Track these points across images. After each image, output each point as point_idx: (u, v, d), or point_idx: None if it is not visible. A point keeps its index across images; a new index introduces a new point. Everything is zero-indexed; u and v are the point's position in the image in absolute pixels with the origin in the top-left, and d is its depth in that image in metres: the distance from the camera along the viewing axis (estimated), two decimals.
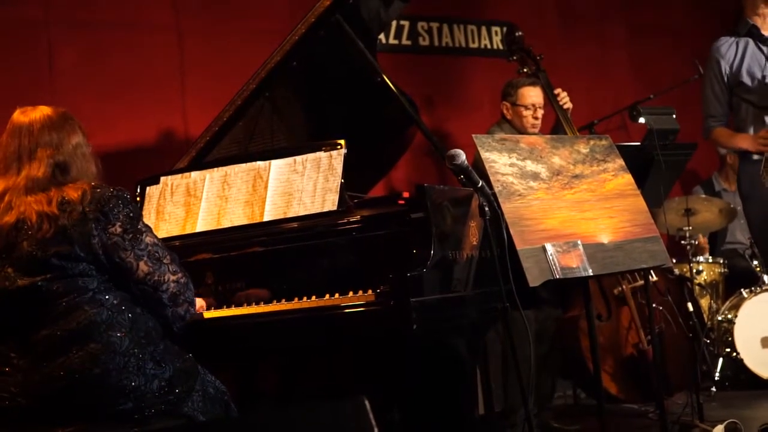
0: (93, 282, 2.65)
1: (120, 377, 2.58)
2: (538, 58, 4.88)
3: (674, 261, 5.70)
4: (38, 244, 2.61)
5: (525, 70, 4.91)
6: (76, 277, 2.63)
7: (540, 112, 4.90)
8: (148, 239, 2.72)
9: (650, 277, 4.69)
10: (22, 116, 2.78)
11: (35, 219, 2.62)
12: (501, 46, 6.40)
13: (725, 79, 5.02)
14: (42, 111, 2.79)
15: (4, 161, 2.74)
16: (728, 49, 5.03)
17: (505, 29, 6.32)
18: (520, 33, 4.94)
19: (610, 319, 4.70)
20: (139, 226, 2.71)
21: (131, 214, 2.70)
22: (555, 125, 4.96)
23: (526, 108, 4.85)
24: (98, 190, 2.68)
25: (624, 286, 4.69)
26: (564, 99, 4.83)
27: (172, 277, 2.75)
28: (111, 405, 2.58)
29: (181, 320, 2.80)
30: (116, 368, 2.58)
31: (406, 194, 3.14)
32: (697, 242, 6.21)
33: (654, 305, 4.45)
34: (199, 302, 3.08)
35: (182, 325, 2.81)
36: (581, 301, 4.37)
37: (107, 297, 2.66)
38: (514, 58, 4.98)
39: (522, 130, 4.87)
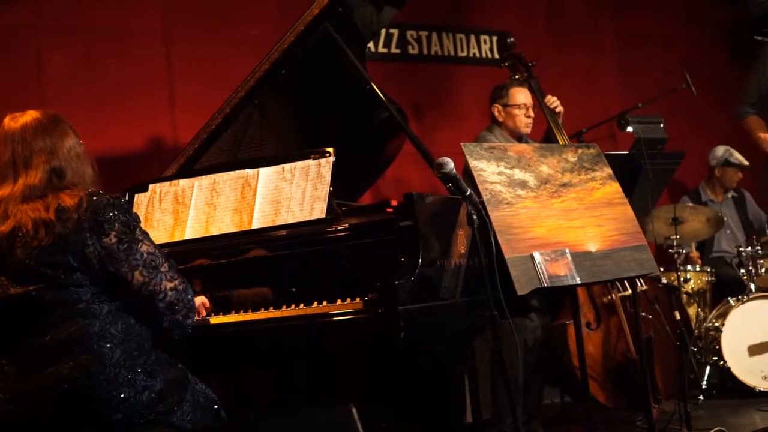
0: (87, 293, 2.63)
1: (110, 389, 2.57)
2: (530, 64, 4.90)
3: (662, 269, 5.72)
4: (32, 253, 2.59)
5: (517, 76, 4.94)
6: (70, 287, 2.62)
7: (531, 112, 4.91)
8: (144, 248, 2.69)
9: (640, 285, 4.70)
10: (12, 122, 2.75)
11: (31, 226, 2.60)
12: (490, 55, 6.43)
13: None
14: (32, 115, 2.76)
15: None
16: None
17: (494, 38, 6.36)
18: (512, 39, 4.97)
19: (599, 327, 4.71)
20: (135, 235, 2.68)
21: (127, 223, 2.67)
22: (546, 132, 4.97)
23: (519, 107, 4.86)
24: (94, 197, 2.66)
25: (613, 295, 4.69)
26: (555, 103, 4.85)
27: (169, 285, 2.71)
28: (100, 416, 2.57)
29: (180, 327, 2.76)
30: (106, 379, 2.57)
31: (394, 202, 3.14)
32: (687, 253, 6.23)
33: (643, 314, 4.46)
34: (200, 299, 3.08)
35: (182, 332, 2.77)
36: (570, 308, 4.37)
37: (101, 307, 2.64)
38: (506, 64, 5.01)
39: (515, 131, 4.86)
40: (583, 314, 4.56)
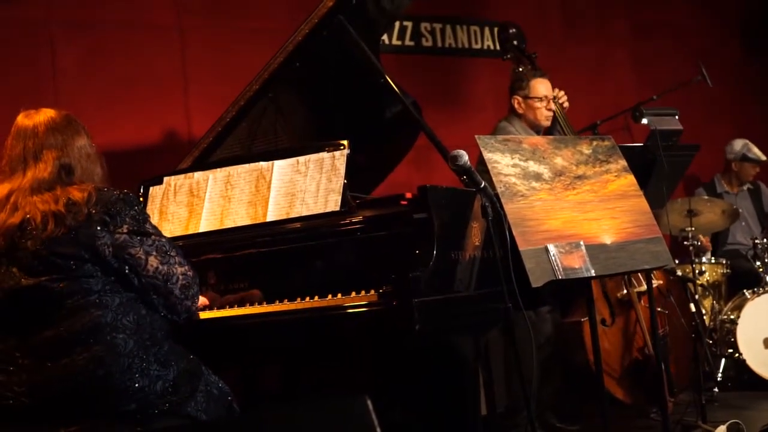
0: (98, 283, 2.65)
1: (124, 379, 2.58)
2: (532, 55, 4.84)
3: (677, 262, 5.70)
4: (43, 244, 2.61)
5: (521, 68, 4.85)
6: (81, 278, 2.63)
7: (552, 105, 4.77)
8: (154, 237, 2.73)
9: (653, 279, 4.68)
10: (26, 119, 2.78)
11: (40, 219, 2.62)
12: None
13: None
14: (46, 114, 2.79)
15: (10, 164, 2.75)
16: None
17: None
18: (513, 30, 4.87)
19: (614, 323, 4.67)
20: (146, 228, 2.73)
21: (137, 216, 2.71)
22: (551, 124, 4.90)
23: (540, 100, 4.72)
24: (104, 192, 2.69)
25: (629, 290, 4.66)
26: (562, 98, 4.80)
27: (180, 269, 2.76)
28: (114, 406, 2.58)
29: (187, 312, 2.81)
30: (120, 370, 2.58)
31: (408, 195, 3.14)
32: (699, 243, 6.21)
33: (658, 309, 4.44)
34: (202, 300, 3.09)
35: (189, 316, 2.82)
36: (582, 306, 4.35)
37: (112, 298, 2.66)
38: (508, 56, 4.92)
39: (535, 123, 4.74)
40: (597, 311, 4.53)
